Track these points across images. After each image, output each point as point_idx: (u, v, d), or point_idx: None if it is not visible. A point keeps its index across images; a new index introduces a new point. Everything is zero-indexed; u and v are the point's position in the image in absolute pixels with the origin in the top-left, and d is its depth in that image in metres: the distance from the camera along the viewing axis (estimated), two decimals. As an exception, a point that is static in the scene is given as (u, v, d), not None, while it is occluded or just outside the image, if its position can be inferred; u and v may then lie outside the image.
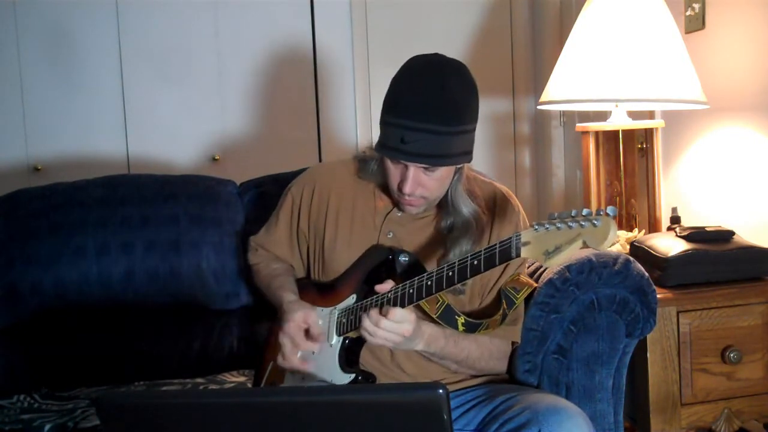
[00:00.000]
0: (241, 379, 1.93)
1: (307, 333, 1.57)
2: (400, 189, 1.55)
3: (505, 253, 1.31)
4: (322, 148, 3.38)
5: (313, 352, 1.56)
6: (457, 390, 1.61)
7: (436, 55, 1.55)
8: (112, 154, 3.20)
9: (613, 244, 2.24)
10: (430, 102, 1.47)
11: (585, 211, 1.20)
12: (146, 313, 2.11)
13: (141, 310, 2.10)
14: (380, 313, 1.41)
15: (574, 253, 1.21)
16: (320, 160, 3.31)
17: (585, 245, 1.19)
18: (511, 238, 1.30)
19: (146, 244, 2.08)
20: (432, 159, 1.49)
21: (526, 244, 1.27)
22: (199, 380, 1.94)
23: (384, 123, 1.52)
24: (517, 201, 1.70)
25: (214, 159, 3.29)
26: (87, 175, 2.26)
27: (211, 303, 2.13)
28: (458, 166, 1.57)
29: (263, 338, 1.86)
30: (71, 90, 3.16)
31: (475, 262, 1.36)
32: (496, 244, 1.33)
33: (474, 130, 1.55)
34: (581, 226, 1.19)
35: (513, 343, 1.65)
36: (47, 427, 1.71)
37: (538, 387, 1.67)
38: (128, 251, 2.07)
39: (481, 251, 1.36)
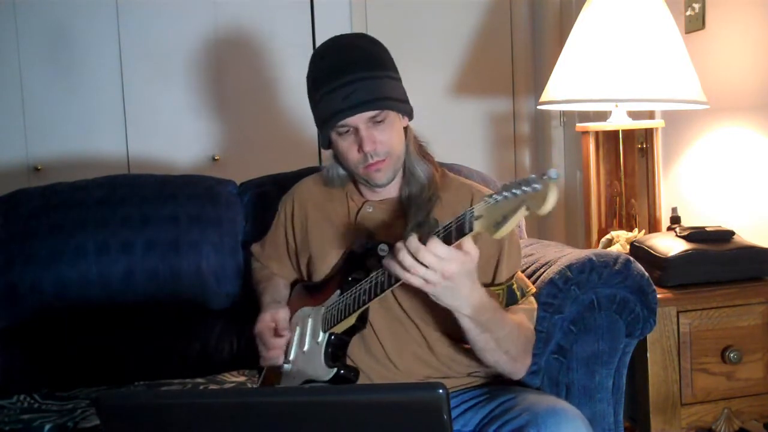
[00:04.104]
0: (241, 379, 1.93)
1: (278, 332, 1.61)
2: (361, 151, 1.53)
3: (460, 229, 1.25)
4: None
5: (304, 351, 1.57)
6: (455, 390, 1.60)
7: (336, 35, 1.62)
8: (112, 154, 3.20)
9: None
10: (349, 56, 1.53)
11: (531, 177, 1.15)
12: (146, 313, 2.11)
13: (141, 310, 2.10)
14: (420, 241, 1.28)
15: (519, 220, 1.18)
16: (320, 161, 3.30)
17: (528, 210, 1.14)
18: (465, 213, 1.25)
19: (146, 244, 2.08)
20: (375, 103, 1.51)
21: (478, 218, 1.22)
22: (199, 380, 1.93)
23: (318, 103, 1.55)
24: None
25: (214, 159, 3.29)
26: (87, 175, 2.26)
27: (211, 303, 2.13)
28: (404, 124, 1.60)
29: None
30: (71, 90, 3.16)
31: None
32: (452, 222, 1.27)
33: (400, 80, 1.59)
34: (524, 192, 1.14)
35: None
36: (47, 427, 1.71)
37: (540, 388, 1.66)
38: (128, 251, 2.07)
39: (440, 229, 1.29)
